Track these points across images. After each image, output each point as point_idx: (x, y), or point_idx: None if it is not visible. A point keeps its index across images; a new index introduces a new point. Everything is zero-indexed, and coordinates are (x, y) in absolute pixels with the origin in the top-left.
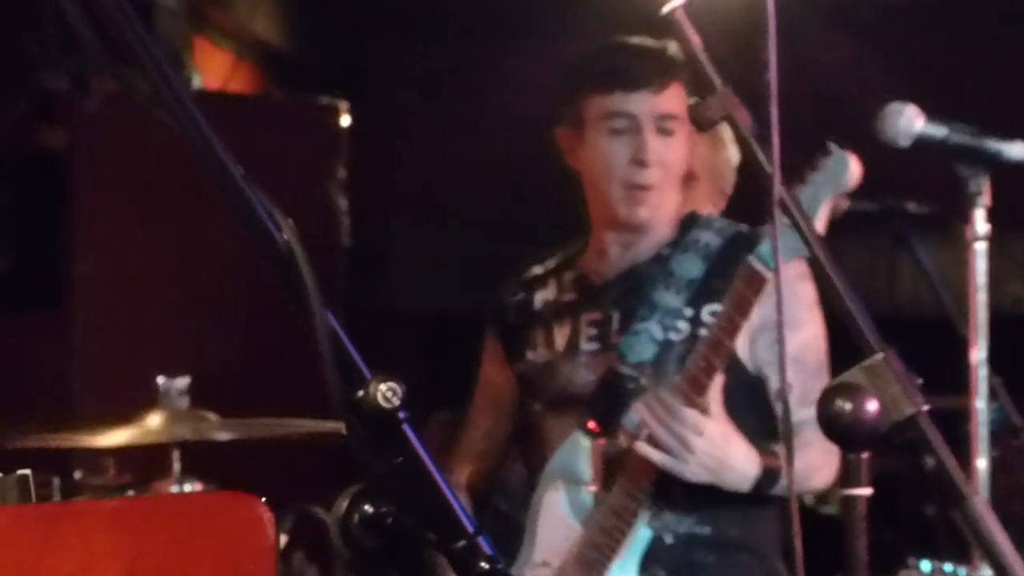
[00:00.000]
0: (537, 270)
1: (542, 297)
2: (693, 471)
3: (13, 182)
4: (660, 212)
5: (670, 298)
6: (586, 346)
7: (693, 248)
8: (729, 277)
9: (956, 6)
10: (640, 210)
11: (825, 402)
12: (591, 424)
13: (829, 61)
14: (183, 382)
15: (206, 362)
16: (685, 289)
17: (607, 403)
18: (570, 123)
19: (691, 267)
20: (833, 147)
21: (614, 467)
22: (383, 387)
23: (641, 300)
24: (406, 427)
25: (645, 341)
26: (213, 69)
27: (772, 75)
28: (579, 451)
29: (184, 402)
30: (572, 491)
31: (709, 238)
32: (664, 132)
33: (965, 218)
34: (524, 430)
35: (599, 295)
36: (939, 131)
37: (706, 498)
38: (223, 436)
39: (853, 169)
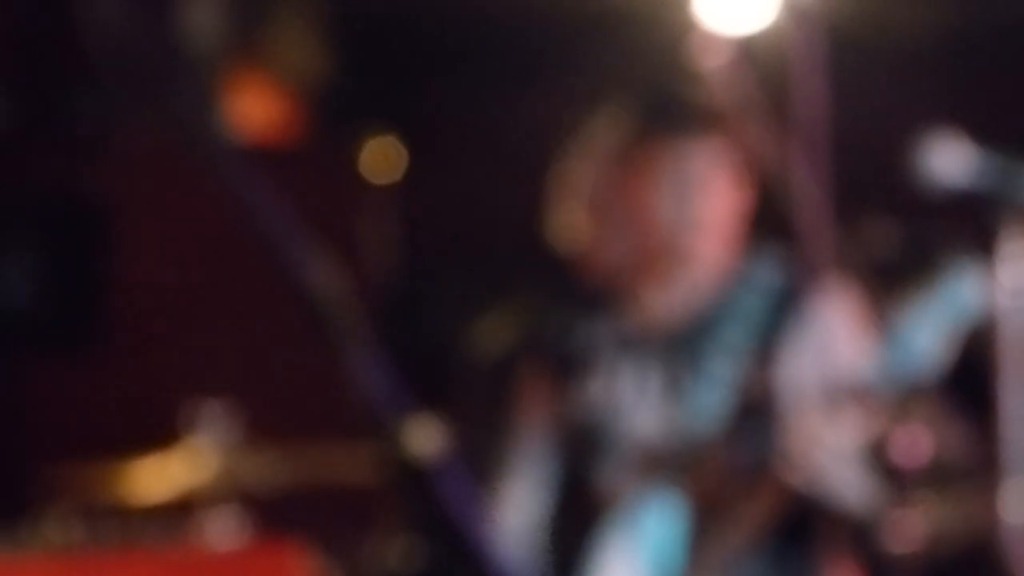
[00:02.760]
0: (576, 307)
1: (587, 337)
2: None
3: (51, 222)
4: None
5: (728, 364)
6: (643, 400)
7: (741, 314)
8: (777, 339)
9: (1002, 37)
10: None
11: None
12: (685, 496)
13: (872, 95)
14: (222, 419)
15: (244, 400)
16: (743, 353)
17: (688, 473)
18: None
19: (741, 333)
20: (948, 255)
21: (705, 545)
22: (421, 432)
23: (698, 361)
24: (444, 473)
25: (715, 405)
26: (254, 100)
27: (810, 113)
28: (660, 521)
29: (223, 439)
30: (650, 559)
31: (753, 301)
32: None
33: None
34: (570, 481)
35: (653, 347)
36: (977, 176)
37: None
38: (262, 475)
39: (978, 289)
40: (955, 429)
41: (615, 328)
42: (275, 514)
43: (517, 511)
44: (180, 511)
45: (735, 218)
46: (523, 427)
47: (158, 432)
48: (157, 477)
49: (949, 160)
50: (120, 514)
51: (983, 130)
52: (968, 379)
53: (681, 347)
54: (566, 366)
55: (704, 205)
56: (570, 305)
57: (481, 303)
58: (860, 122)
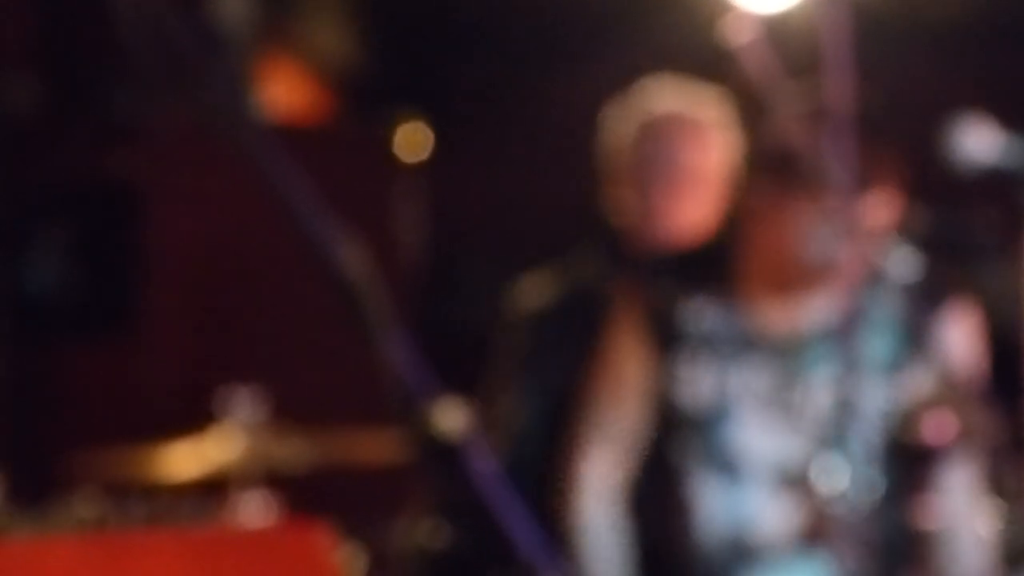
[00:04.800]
0: (681, 274)
1: (698, 318)
2: None
3: (83, 207)
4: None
5: (871, 393)
6: (752, 407)
7: (878, 323)
8: (919, 348)
9: None
10: None
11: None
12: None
13: (903, 76)
14: (250, 401)
15: (273, 382)
16: (880, 369)
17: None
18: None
19: (882, 343)
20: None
21: None
22: (446, 412)
23: (809, 377)
24: (469, 453)
25: (856, 450)
26: (284, 84)
27: (839, 93)
28: None
29: (251, 421)
30: None
31: (890, 309)
32: None
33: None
34: (656, 474)
35: (766, 353)
36: (1008, 156)
37: None
38: (290, 457)
39: None
40: (983, 410)
41: (731, 322)
42: (303, 495)
43: (597, 473)
44: (209, 492)
45: (866, 261)
46: (615, 388)
47: (187, 415)
48: (186, 459)
49: (978, 141)
50: (149, 495)
51: (1012, 111)
52: (996, 359)
53: (794, 359)
54: (668, 336)
55: (844, 252)
56: (675, 277)
57: (510, 283)
58: (893, 119)
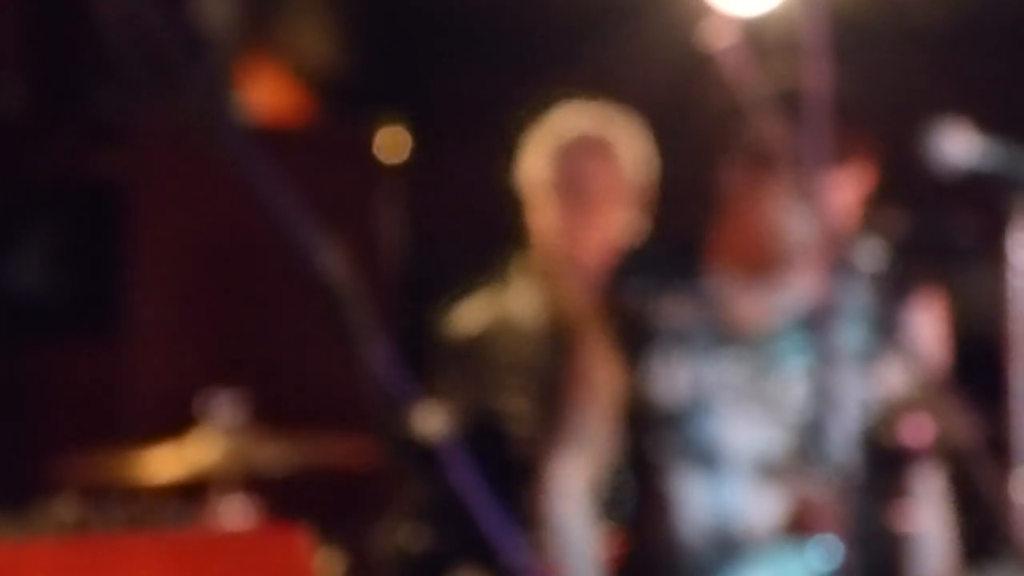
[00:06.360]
0: (652, 273)
1: (664, 313)
2: None
3: (67, 209)
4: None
5: (848, 382)
6: (731, 401)
7: (850, 313)
8: (890, 337)
9: (1010, 23)
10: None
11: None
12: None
13: (883, 79)
14: (232, 405)
15: (255, 386)
16: (854, 359)
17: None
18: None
19: (855, 332)
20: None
21: None
22: (425, 415)
23: (785, 370)
24: (447, 455)
25: (835, 438)
26: (266, 88)
27: (818, 97)
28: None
29: (232, 424)
30: None
31: (861, 299)
32: None
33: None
34: (636, 467)
35: (742, 347)
36: (989, 160)
37: None
38: (270, 460)
39: None
40: (965, 413)
41: (704, 317)
42: (283, 499)
43: (570, 476)
44: (189, 496)
45: (838, 245)
46: (585, 392)
47: (168, 418)
48: (167, 462)
49: (958, 145)
50: (129, 498)
51: (992, 115)
52: (980, 362)
53: (769, 350)
54: (641, 334)
55: (816, 237)
56: (646, 274)
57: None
58: (869, 106)
